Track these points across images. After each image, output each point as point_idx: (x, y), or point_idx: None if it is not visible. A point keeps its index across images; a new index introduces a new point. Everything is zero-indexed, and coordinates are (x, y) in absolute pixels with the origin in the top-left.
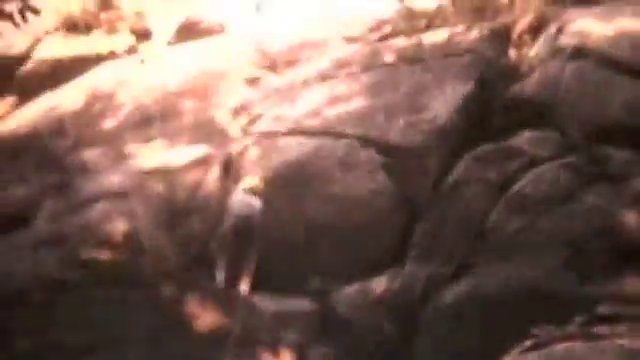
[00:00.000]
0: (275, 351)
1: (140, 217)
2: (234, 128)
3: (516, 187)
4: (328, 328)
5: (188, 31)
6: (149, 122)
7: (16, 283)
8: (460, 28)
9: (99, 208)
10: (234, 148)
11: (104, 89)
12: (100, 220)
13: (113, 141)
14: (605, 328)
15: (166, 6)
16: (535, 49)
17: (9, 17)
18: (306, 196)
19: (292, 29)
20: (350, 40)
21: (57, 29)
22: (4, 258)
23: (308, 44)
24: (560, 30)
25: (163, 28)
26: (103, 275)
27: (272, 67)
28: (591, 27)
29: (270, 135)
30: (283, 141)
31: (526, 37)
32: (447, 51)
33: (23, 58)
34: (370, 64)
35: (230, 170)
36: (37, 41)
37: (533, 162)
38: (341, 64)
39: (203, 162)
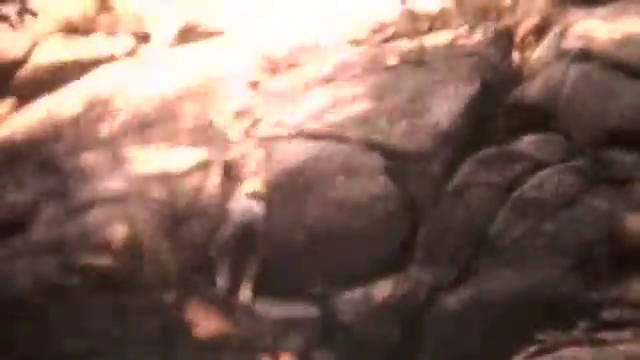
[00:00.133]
0: (276, 357)
1: (140, 222)
2: (235, 132)
3: (520, 191)
4: (330, 334)
5: (188, 34)
6: (149, 126)
7: (15, 289)
8: (463, 30)
9: (98, 213)
10: (235, 152)
11: (103, 93)
12: (99, 225)
13: (112, 145)
14: (610, 334)
15: (166, 9)
16: (539, 51)
17: (6, 20)
18: (308, 201)
19: (293, 32)
20: (352, 43)
21: (55, 32)
22: (2, 264)
23: (310, 47)
24: (564, 32)
25: (163, 31)
26: (102, 281)
27: (273, 70)
28: (596, 29)
29: (271, 139)
30: (285, 145)
31: (530, 39)
32: (450, 54)
33: (20, 62)
34: (372, 67)
35: (231, 175)
36: (35, 44)
37: (537, 166)
38: (343, 67)
39: (203, 167)
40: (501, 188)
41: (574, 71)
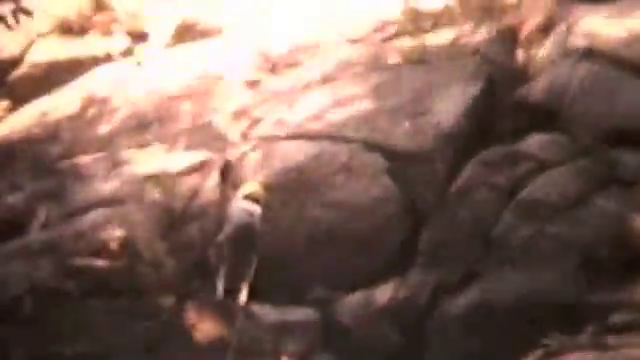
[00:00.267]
0: None
1: (137, 224)
2: (233, 132)
3: (525, 192)
4: (331, 338)
5: (186, 33)
6: (146, 127)
7: (10, 292)
8: (467, 29)
9: (95, 215)
10: (233, 153)
11: (99, 93)
12: (96, 227)
13: (109, 146)
14: (617, 338)
15: (163, 8)
16: (544, 50)
17: (1, 19)
18: (308, 202)
19: (293, 30)
20: (353, 41)
21: (51, 31)
22: None
23: (309, 46)
24: (569, 30)
25: (160, 30)
26: (99, 284)
27: (273, 70)
28: (602, 27)
29: (271, 139)
30: (284, 146)
31: (534, 37)
32: (453, 52)
33: (16, 61)
34: (373, 66)
35: (229, 176)
36: (30, 44)
37: (542, 166)
38: (344, 66)
39: (201, 168)
40: (505, 189)
41: (580, 70)
